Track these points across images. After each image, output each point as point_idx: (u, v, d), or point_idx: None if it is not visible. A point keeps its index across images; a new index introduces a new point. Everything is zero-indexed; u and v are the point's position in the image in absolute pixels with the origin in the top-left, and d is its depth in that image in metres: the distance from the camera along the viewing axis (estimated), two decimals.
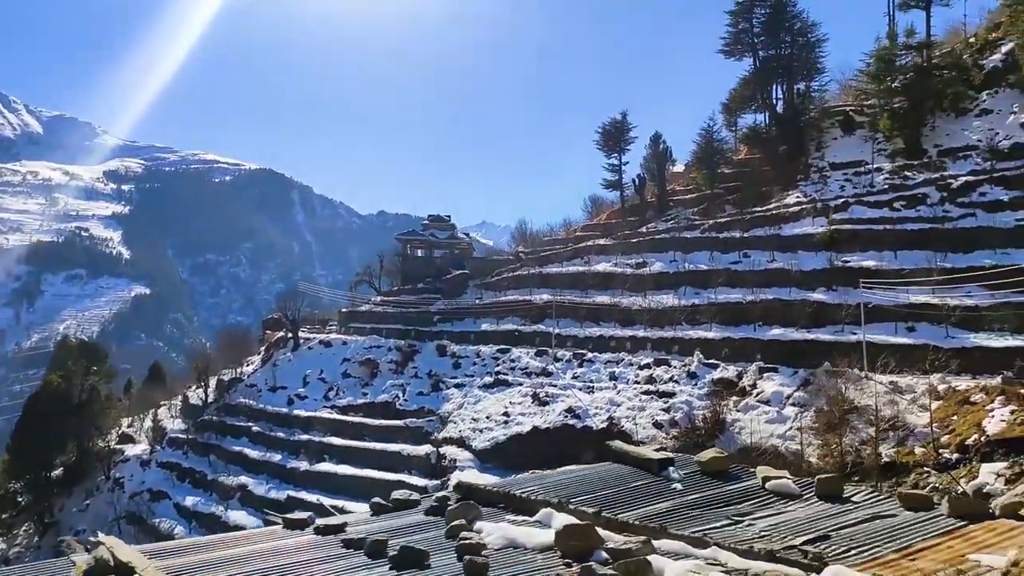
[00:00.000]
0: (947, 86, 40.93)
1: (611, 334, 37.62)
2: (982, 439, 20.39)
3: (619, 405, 31.55)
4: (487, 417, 34.48)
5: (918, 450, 21.90)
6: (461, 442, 33.60)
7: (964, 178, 35.87)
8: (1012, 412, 20.28)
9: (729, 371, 30.69)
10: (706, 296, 36.91)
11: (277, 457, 37.50)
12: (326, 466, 35.12)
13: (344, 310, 53.75)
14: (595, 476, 10.91)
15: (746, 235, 39.78)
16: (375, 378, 41.68)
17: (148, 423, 50.04)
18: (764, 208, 41.68)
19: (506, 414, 34.08)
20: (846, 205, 38.30)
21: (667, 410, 30.00)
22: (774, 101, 46.87)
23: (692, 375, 31.61)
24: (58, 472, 45.71)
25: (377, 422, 37.26)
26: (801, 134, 44.74)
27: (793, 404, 27.68)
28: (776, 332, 32.40)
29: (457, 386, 38.12)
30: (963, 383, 24.62)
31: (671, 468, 10.11)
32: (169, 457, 42.97)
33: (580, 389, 33.95)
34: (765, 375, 29.79)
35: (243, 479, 36.68)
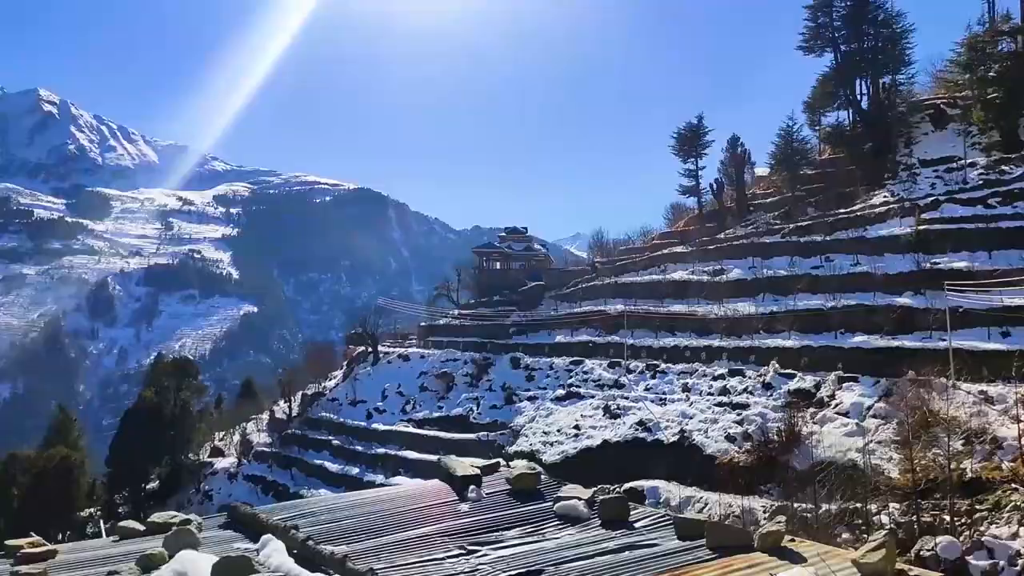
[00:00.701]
0: None
1: (685, 344, 36.64)
2: None
3: (691, 418, 30.62)
4: (558, 430, 34.11)
5: (1006, 465, 20.34)
6: (532, 456, 33.19)
7: None
8: None
9: (806, 381, 29.34)
10: (785, 303, 35.48)
11: (355, 471, 38.14)
12: (400, 480, 35.44)
13: (423, 324, 54.38)
14: (386, 497, 9.86)
15: (828, 238, 38.07)
16: (451, 391, 41.93)
17: (237, 437, 51.92)
18: (848, 210, 39.83)
19: (577, 427, 33.62)
20: (936, 204, 36.14)
21: (740, 422, 28.89)
22: (858, 97, 44.72)
23: (767, 386, 30.38)
24: (154, 484, 47.96)
25: (451, 436, 37.38)
26: (888, 130, 42.49)
27: (874, 416, 26.20)
28: (858, 339, 30.81)
29: (530, 399, 37.88)
30: None
31: (473, 487, 9.33)
32: (254, 470, 44.41)
33: (652, 401, 33.16)
34: (844, 385, 28.34)
35: (322, 492, 37.37)
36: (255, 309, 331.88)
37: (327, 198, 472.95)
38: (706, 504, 26.01)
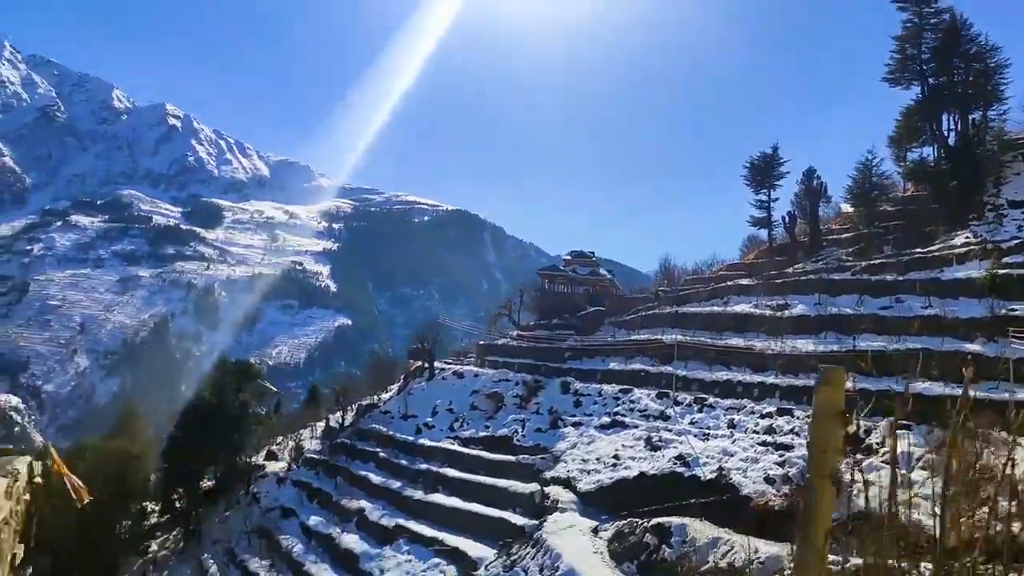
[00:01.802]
0: None
1: (739, 379, 35.20)
2: None
3: (732, 455, 29.28)
4: (597, 459, 33.24)
5: None
6: (568, 483, 32.56)
7: None
8: None
9: (857, 426, 27.61)
10: (847, 343, 33.75)
11: (396, 484, 38.13)
12: (437, 497, 35.25)
13: (482, 343, 54.35)
14: None
15: (901, 278, 36.08)
16: (499, 411, 41.58)
17: (292, 443, 52.95)
18: (926, 250, 37.69)
19: (616, 457, 32.68)
20: (1021, 247, 33.80)
21: (781, 464, 27.46)
22: (945, 133, 42.32)
23: None
24: (209, 483, 49.36)
25: (493, 456, 36.99)
26: (975, 168, 40.00)
27: (923, 468, 24.42)
28: (921, 386, 28.91)
29: (575, 425, 37.14)
30: None
31: None
32: (302, 476, 45.04)
33: (695, 436, 31.93)
34: (898, 433, 26.46)
35: (362, 503, 37.57)
36: (349, 322, 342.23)
37: (425, 218, 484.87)
38: (732, 547, 24.77)
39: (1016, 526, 20.14)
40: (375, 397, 52.14)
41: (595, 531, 28.71)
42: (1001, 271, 33.02)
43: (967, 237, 37.08)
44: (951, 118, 42.32)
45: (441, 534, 31.87)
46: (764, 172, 47.47)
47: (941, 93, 41.56)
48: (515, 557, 28.57)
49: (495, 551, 29.49)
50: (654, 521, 27.30)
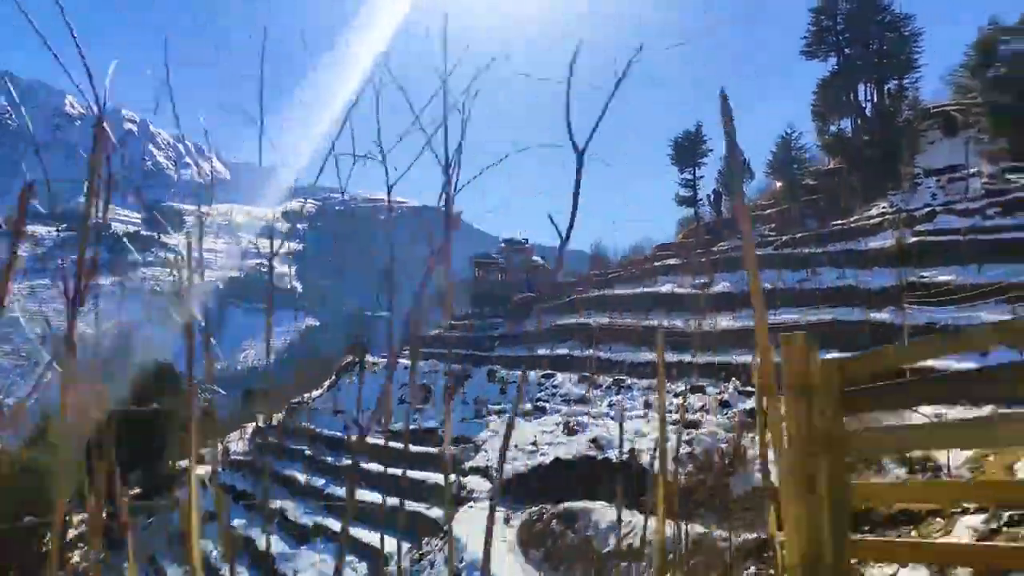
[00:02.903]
0: None
1: (667, 359, 34.93)
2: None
3: (645, 436, 28.92)
4: (515, 446, 32.69)
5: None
6: (486, 472, 32.07)
7: None
8: None
9: (761, 400, 27.38)
10: (767, 317, 33.59)
11: (320, 482, 37.34)
12: (360, 493, 34.54)
13: (413, 335, 53.34)
14: None
15: (819, 251, 35.98)
16: (427, 403, 40.94)
17: (221, 445, 51.77)
18: (844, 221, 37.59)
19: (534, 443, 32.15)
20: (932, 215, 33.75)
21: (689, 443, 27.12)
22: (863, 104, 42.21)
23: (725, 404, 28.55)
24: (134, 491, 48.02)
25: (416, 449, 36.15)
26: (893, 139, 39.96)
27: None
28: (830, 357, 28.72)
29: (499, 413, 36.60)
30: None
31: None
32: (227, 479, 44.10)
33: (611, 418, 31.56)
34: None
35: (286, 503, 36.76)
36: (317, 322, 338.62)
37: (393, 215, 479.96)
38: (633, 529, 24.39)
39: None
40: (307, 394, 51.18)
41: (507, 520, 28.15)
42: (914, 239, 33.03)
43: (883, 207, 37.02)
44: (867, 89, 42.24)
45: (359, 531, 31.16)
46: (688, 150, 47.02)
47: (856, 64, 41.43)
48: (424, 551, 28.03)
49: (409, 545, 28.93)
50: (561, 507, 26.89)
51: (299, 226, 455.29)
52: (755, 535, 21.07)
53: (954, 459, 20.03)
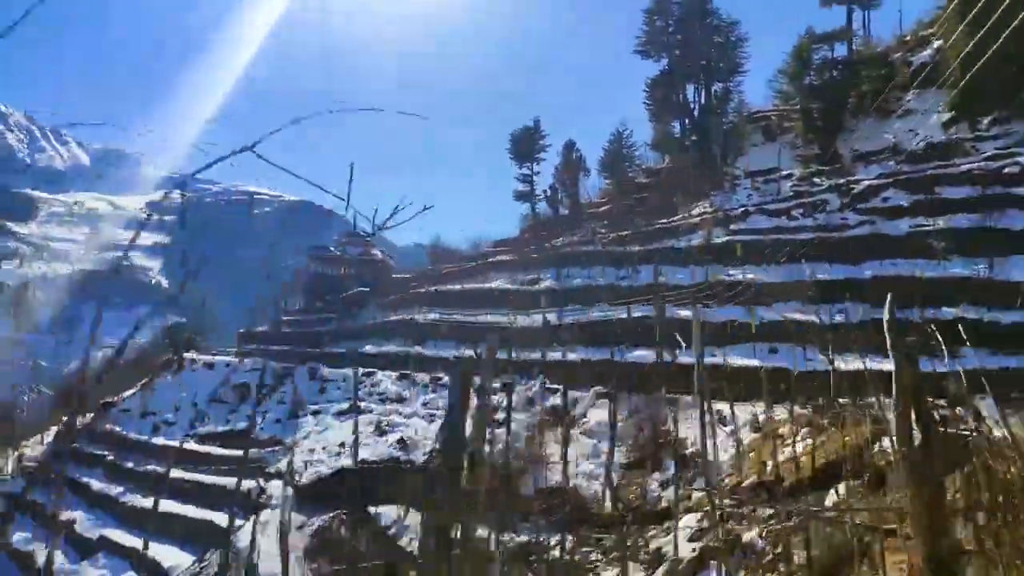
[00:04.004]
0: (869, 85, 37.02)
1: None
2: (755, 480, 16.82)
3: None
4: (323, 448, 31.16)
5: (696, 494, 18.24)
6: (289, 476, 30.32)
7: (867, 182, 31.98)
8: (801, 450, 16.65)
9: (567, 397, 27.04)
10: (586, 314, 33.52)
11: (118, 490, 34.45)
12: (151, 501, 32.00)
13: (242, 330, 51.02)
14: None
15: (642, 249, 36.29)
16: (244, 403, 38.63)
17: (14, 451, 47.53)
18: (669, 220, 38.10)
19: (343, 445, 30.72)
20: (746, 214, 34.65)
21: (491, 442, 26.38)
22: (691, 105, 43.04)
23: (531, 401, 28.07)
24: None
25: (225, 452, 34.02)
26: (719, 140, 40.94)
27: (620, 437, 24.02)
28: (638, 354, 28.89)
29: (315, 413, 34.83)
30: (786, 412, 20.85)
31: None
32: (16, 488, 40.29)
33: (422, 417, 30.57)
34: (601, 402, 26.15)
35: (77, 513, 33.73)
36: (184, 320, 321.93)
37: (267, 209, 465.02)
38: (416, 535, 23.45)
39: (667, 492, 19.06)
40: (117, 395, 47.43)
41: (301, 527, 26.66)
42: (727, 238, 33.74)
43: (704, 207, 37.72)
44: (696, 91, 43.12)
45: (146, 543, 28.81)
46: (526, 145, 46.74)
47: (685, 65, 42.15)
48: (205, 563, 26.10)
49: (193, 559, 26.95)
50: (353, 513, 25.70)
51: (167, 218, 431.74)
52: (528, 539, 20.46)
53: (728, 456, 20.18)
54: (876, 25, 40.13)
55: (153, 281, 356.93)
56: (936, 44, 36.90)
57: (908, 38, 40.72)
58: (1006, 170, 28.62)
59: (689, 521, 13.88)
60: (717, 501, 17.51)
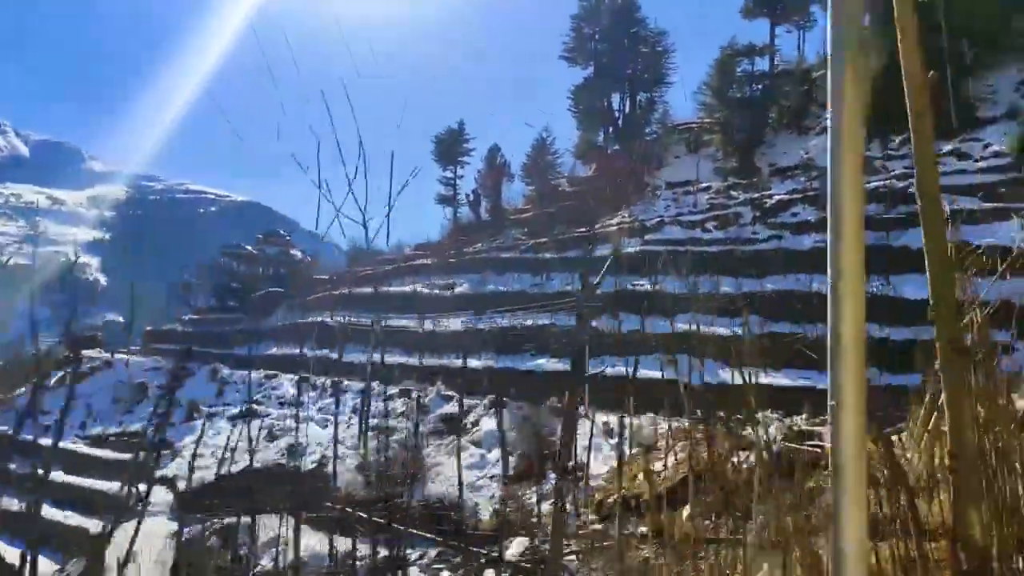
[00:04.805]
0: (789, 101, 37.09)
1: (390, 361, 33.14)
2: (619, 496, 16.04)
3: (342, 443, 26.92)
4: (211, 453, 29.76)
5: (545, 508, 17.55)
6: (172, 481, 28.93)
7: (779, 197, 31.84)
8: (671, 463, 16.07)
9: (461, 405, 26.18)
10: (495, 321, 32.75)
11: None
12: (23, 508, 30.21)
13: (149, 328, 49.13)
14: None
15: (557, 256, 35.76)
16: (140, 404, 36.96)
17: None
18: (587, 228, 37.55)
19: (232, 450, 29.32)
20: (661, 225, 34.27)
21: (380, 450, 25.34)
22: (616, 114, 42.66)
23: (424, 409, 27.09)
24: None
25: (111, 455, 32.46)
26: (644, 150, 40.57)
27: (509, 447, 23.23)
28: (538, 362, 28.17)
29: (210, 416, 33.39)
30: (675, 424, 20.29)
31: None
32: None
33: (316, 422, 29.36)
34: (492, 411, 25.29)
35: None
36: (122, 319, 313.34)
37: (212, 208, 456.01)
38: (305, 548, 22.24)
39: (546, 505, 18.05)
40: (11, 395, 45.08)
41: (174, 536, 25.27)
42: (641, 248, 33.27)
43: (623, 216, 37.29)
44: (622, 100, 42.75)
45: (10, 550, 27.07)
46: (450, 148, 45.84)
47: (610, 73, 41.76)
48: (67, 574, 24.57)
49: (56, 568, 25.37)
50: (226, 522, 24.46)
51: (108, 214, 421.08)
52: (399, 552, 19.45)
53: (605, 469, 19.44)
54: (810, 46, 40.05)
55: (92, 278, 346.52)
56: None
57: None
58: (911, 189, 28.61)
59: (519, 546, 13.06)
60: (583, 518, 16.82)
